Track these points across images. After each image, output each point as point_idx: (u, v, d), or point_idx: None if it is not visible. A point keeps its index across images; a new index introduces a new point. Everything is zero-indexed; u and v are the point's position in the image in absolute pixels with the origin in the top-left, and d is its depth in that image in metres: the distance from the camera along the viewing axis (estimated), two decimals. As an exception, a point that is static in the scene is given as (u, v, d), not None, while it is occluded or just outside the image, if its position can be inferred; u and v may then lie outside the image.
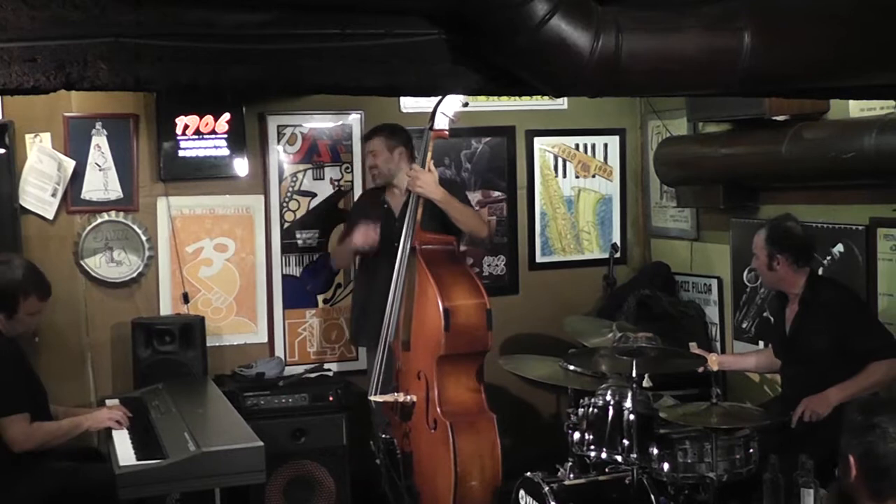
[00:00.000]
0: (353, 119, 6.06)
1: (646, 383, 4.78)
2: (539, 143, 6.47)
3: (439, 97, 5.03)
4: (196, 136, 5.72)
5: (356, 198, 5.98)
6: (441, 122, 5.08)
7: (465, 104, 5.14)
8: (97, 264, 5.65)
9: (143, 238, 5.70)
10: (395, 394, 5.07)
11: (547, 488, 4.45)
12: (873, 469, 2.87)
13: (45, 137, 5.53)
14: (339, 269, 6.00)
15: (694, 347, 5.24)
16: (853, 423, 2.96)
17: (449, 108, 5.05)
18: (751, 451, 4.40)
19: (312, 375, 5.80)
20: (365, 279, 5.58)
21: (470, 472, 4.83)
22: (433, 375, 4.90)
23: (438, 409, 4.88)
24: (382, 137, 5.45)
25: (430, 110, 5.20)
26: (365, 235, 5.34)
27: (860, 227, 5.02)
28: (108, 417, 4.67)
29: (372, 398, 5.13)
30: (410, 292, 5.09)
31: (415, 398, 5.00)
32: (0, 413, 4.39)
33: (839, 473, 3.03)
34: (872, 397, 3.42)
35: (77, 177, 5.60)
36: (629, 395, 4.52)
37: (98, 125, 5.65)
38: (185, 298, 5.80)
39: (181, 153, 5.71)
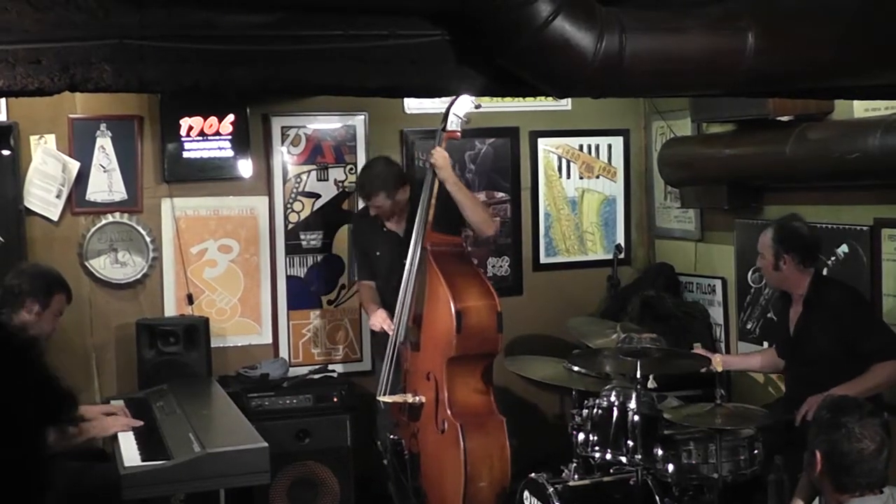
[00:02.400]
0: (358, 120, 6.07)
1: (650, 384, 4.78)
2: (543, 143, 6.47)
3: (452, 98, 5.03)
4: (200, 138, 5.73)
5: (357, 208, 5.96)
6: (454, 124, 5.07)
7: (478, 106, 5.13)
8: (102, 265, 5.66)
9: (148, 239, 5.71)
10: (404, 394, 5.07)
11: (551, 489, 4.45)
12: (838, 465, 3.00)
13: (50, 139, 5.54)
14: None
15: (698, 348, 5.24)
16: (821, 420, 3.07)
17: (461, 110, 5.05)
18: (755, 451, 4.40)
19: (316, 376, 5.80)
20: (384, 294, 5.55)
21: (479, 473, 4.83)
22: (443, 377, 4.89)
23: (448, 411, 4.87)
24: (382, 193, 5.32)
25: (434, 111, 5.21)
26: (380, 324, 5.32)
27: (865, 228, 5.01)
28: (112, 426, 4.67)
29: (380, 398, 5.13)
30: (420, 293, 5.08)
31: (423, 399, 4.99)
32: None
33: (805, 466, 3.11)
34: (842, 397, 3.46)
35: (81, 178, 5.61)
36: (633, 396, 4.52)
37: (102, 127, 5.66)
38: (190, 299, 5.80)
39: (185, 154, 5.72)
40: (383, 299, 5.46)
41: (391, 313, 5.25)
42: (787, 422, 4.58)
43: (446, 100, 5.08)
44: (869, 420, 3.04)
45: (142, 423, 4.66)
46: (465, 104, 5.04)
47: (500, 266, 6.43)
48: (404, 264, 5.18)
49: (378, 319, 5.33)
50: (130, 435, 4.53)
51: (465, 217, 5.22)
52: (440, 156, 5.09)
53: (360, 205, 5.81)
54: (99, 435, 4.72)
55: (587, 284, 6.55)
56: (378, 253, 5.50)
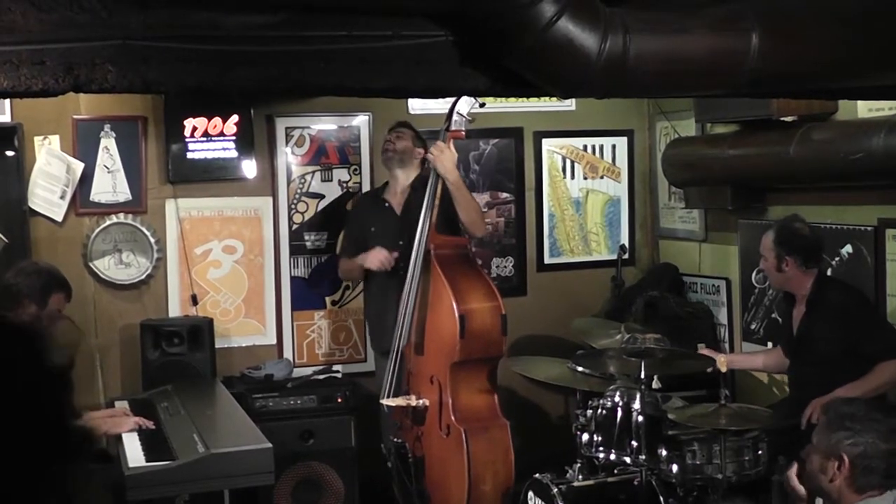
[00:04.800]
0: (361, 121, 6.07)
1: (654, 385, 4.77)
2: (547, 144, 6.46)
3: (455, 98, 5.01)
4: (204, 138, 5.74)
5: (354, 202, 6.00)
6: (457, 123, 5.05)
7: (482, 104, 5.11)
8: (106, 266, 5.67)
9: (152, 240, 5.71)
10: (408, 397, 5.05)
11: (556, 490, 4.45)
12: (866, 467, 2.95)
13: (54, 140, 5.55)
14: (346, 282, 6.01)
15: (702, 349, 5.23)
16: (846, 424, 3.02)
17: (465, 109, 5.03)
18: (759, 452, 4.40)
19: (321, 377, 5.80)
20: (376, 287, 5.55)
21: (483, 478, 4.82)
22: (447, 381, 4.88)
23: (452, 416, 4.85)
24: (413, 135, 5.49)
25: (438, 112, 5.21)
26: (381, 261, 5.29)
27: (869, 228, 5.01)
28: (125, 424, 4.64)
29: (384, 401, 5.11)
30: (424, 295, 5.06)
31: (427, 402, 4.97)
32: None
33: (820, 470, 3.06)
34: (854, 399, 3.44)
35: (85, 179, 5.62)
36: (637, 396, 4.52)
37: (106, 127, 5.66)
38: (194, 300, 5.81)
39: (189, 155, 5.73)
40: (372, 279, 5.47)
41: (393, 307, 5.23)
42: (792, 423, 4.57)
43: (450, 100, 5.07)
44: (892, 420, 3.04)
45: (153, 424, 4.64)
46: (468, 103, 5.02)
47: (505, 266, 6.43)
48: (399, 245, 5.22)
49: (375, 256, 5.30)
50: (134, 435, 4.54)
51: (458, 215, 5.21)
52: (447, 157, 5.08)
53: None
54: (111, 431, 4.69)
55: (591, 285, 6.54)
56: (373, 229, 5.48)
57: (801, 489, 3.23)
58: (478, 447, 4.82)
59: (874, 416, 3.03)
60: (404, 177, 5.47)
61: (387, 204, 5.49)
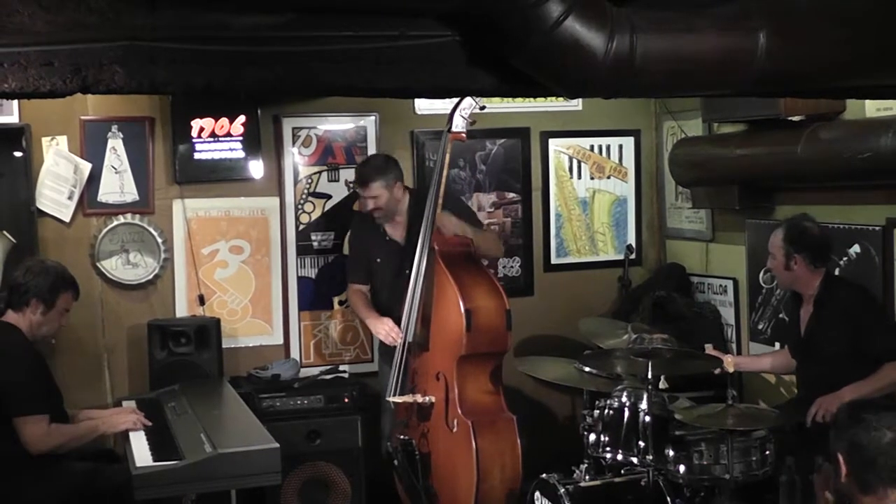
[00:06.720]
0: (368, 121, 6.07)
1: (661, 385, 4.77)
2: (554, 144, 6.46)
3: (457, 99, 5.03)
4: (211, 139, 5.74)
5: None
6: (459, 125, 5.08)
7: (483, 107, 5.14)
8: (113, 266, 5.67)
9: (159, 240, 5.72)
10: (414, 394, 5.07)
11: (562, 490, 4.45)
12: (860, 461, 2.91)
13: (62, 140, 5.55)
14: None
15: (710, 349, 5.23)
16: (839, 422, 3.00)
17: (466, 111, 5.06)
18: (767, 452, 4.40)
19: (328, 377, 5.80)
20: (382, 287, 5.56)
21: (491, 471, 4.84)
22: (453, 376, 4.91)
23: (459, 410, 4.88)
24: (380, 180, 5.35)
25: (445, 112, 5.21)
26: (384, 336, 5.32)
27: (877, 228, 4.99)
28: (122, 422, 4.68)
29: (390, 399, 5.14)
30: (429, 293, 5.09)
31: (433, 399, 5.00)
32: (19, 413, 4.41)
33: (834, 475, 3.04)
34: (859, 399, 3.42)
35: (93, 179, 5.63)
36: (645, 396, 4.52)
37: (114, 128, 5.67)
38: (201, 300, 5.81)
39: (196, 155, 5.73)
40: (385, 307, 5.46)
41: (390, 313, 5.27)
42: (799, 423, 4.56)
43: (456, 100, 5.09)
44: (885, 413, 3.01)
45: (150, 423, 4.66)
46: (469, 106, 5.05)
47: (511, 267, 6.43)
48: (405, 274, 5.21)
49: (384, 330, 5.30)
50: (142, 435, 4.55)
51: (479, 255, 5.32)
52: (448, 228, 5.14)
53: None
54: (108, 431, 4.72)
55: (598, 285, 6.54)
56: (378, 260, 5.51)
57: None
58: (485, 440, 4.84)
59: (864, 411, 2.99)
60: (400, 216, 5.47)
61: (388, 238, 5.49)
